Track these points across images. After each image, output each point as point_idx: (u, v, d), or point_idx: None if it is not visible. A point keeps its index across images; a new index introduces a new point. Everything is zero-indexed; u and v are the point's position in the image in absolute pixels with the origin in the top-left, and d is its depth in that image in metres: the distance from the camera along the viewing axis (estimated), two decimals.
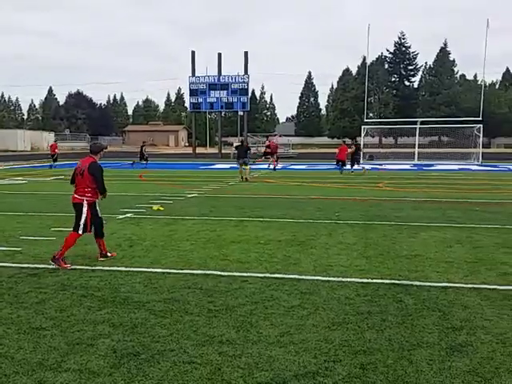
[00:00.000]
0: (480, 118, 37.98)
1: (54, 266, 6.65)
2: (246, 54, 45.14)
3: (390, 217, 10.96)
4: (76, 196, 7.07)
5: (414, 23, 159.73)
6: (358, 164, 26.12)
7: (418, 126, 40.34)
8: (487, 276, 6.26)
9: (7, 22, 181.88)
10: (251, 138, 49.11)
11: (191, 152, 50.71)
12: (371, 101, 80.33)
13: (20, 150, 62.15)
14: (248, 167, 21.43)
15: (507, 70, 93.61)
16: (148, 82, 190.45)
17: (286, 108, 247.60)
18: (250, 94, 50.67)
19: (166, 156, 50.22)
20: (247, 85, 45.09)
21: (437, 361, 3.91)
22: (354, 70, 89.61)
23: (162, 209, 12.08)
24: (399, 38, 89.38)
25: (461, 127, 43.64)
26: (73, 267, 6.66)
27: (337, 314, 4.92)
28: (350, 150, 25.85)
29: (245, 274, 6.32)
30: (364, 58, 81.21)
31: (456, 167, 32.28)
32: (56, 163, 30.80)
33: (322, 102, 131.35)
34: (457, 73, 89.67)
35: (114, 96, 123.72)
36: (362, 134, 40.26)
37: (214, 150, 61.71)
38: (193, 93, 45.77)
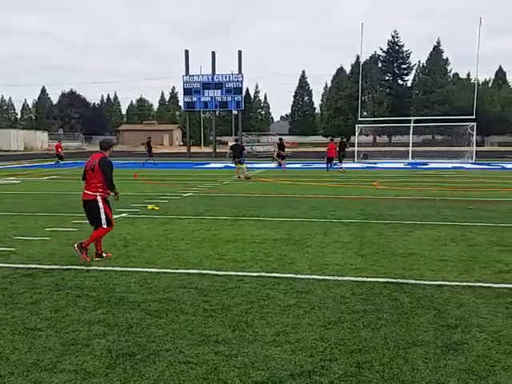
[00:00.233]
0: (473, 117, 38.07)
1: (75, 253, 6.81)
2: (239, 53, 45.08)
3: (384, 215, 10.99)
4: (88, 192, 6.96)
5: (407, 22, 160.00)
6: (340, 162, 26.58)
7: (411, 124, 40.35)
8: (482, 274, 6.29)
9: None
10: (246, 136, 49.06)
11: (186, 151, 50.59)
12: (365, 99, 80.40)
13: (13, 149, 61.83)
14: (244, 166, 21.41)
15: (500, 68, 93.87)
16: (142, 82, 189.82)
17: (280, 107, 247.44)
18: (244, 93, 50.62)
19: (161, 155, 50.09)
20: (241, 84, 45.01)
21: (432, 359, 3.92)
22: (347, 69, 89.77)
23: (156, 208, 12.06)
24: (392, 37, 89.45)
25: (454, 126, 43.74)
26: (67, 267, 6.64)
27: (332, 313, 4.93)
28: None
29: (240, 274, 6.32)
30: (358, 57, 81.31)
31: (450, 165, 32.37)
32: (62, 162, 31.24)
33: (317, 100, 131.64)
34: (450, 71, 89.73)
35: (108, 95, 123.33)
36: (357, 133, 40.27)
37: (209, 149, 61.56)
38: (187, 92, 45.62)
